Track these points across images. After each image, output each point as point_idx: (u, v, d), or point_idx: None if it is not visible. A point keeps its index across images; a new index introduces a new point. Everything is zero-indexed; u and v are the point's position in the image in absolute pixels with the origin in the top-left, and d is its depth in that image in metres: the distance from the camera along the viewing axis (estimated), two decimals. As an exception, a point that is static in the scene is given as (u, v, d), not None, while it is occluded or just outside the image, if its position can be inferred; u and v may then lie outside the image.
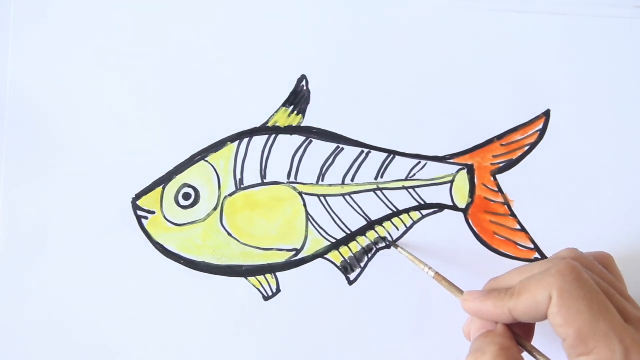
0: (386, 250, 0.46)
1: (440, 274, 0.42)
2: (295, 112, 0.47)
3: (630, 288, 0.45)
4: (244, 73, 0.47)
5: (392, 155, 0.46)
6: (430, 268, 0.43)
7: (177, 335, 0.46)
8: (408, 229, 0.46)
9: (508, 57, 0.47)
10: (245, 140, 0.47)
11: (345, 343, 0.46)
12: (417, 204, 0.46)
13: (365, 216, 0.46)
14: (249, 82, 0.47)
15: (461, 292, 0.40)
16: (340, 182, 0.47)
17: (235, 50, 0.47)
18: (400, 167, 0.46)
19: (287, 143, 0.47)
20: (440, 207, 0.46)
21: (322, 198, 0.46)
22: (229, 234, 0.46)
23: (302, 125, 0.47)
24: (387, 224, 0.46)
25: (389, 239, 0.46)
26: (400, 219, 0.46)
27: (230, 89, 0.47)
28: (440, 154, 0.46)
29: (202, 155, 0.47)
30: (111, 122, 0.47)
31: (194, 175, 0.46)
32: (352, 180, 0.46)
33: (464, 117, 0.46)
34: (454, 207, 0.46)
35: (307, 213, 0.46)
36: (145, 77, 0.47)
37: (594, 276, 0.36)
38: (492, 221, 0.46)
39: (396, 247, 0.45)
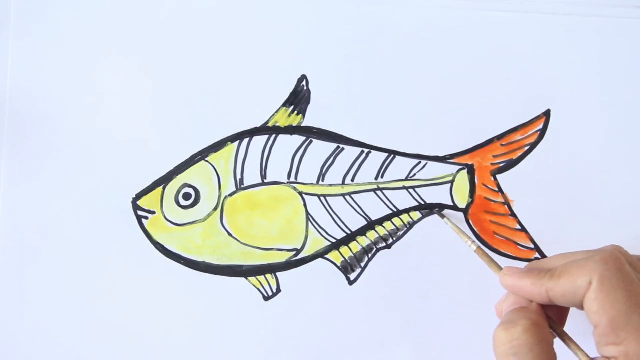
0: (386, 250, 0.46)
1: (482, 249, 0.42)
2: (296, 112, 0.47)
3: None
4: (244, 73, 0.47)
5: (392, 155, 0.46)
6: (473, 242, 0.43)
7: (177, 335, 0.46)
8: (408, 229, 0.46)
9: (508, 57, 0.47)
10: (246, 140, 0.47)
11: (345, 343, 0.46)
12: (417, 204, 0.46)
13: (366, 216, 0.46)
14: (249, 82, 0.47)
15: (500, 268, 0.40)
16: (341, 182, 0.47)
17: (236, 50, 0.47)
18: (400, 167, 0.46)
19: (287, 143, 0.47)
20: (441, 207, 0.46)
21: (322, 198, 0.46)
22: (229, 234, 0.46)
23: (302, 125, 0.47)
24: (387, 224, 0.46)
25: (435, 208, 0.46)
26: (400, 219, 0.46)
27: (230, 89, 0.47)
28: (440, 154, 0.46)
29: (202, 155, 0.47)
30: (111, 122, 0.47)
31: (194, 175, 0.46)
32: (352, 180, 0.46)
33: (464, 117, 0.46)
34: (454, 207, 0.46)
35: (307, 213, 0.46)
36: (145, 77, 0.47)
37: (635, 270, 0.36)
38: (492, 221, 0.46)
39: (442, 216, 0.45)
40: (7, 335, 0.46)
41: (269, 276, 0.46)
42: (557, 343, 0.37)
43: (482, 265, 0.44)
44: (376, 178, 0.46)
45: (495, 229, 0.46)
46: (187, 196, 0.46)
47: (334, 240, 0.46)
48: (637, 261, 0.38)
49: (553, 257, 0.39)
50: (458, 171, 0.46)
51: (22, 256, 0.46)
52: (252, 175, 0.46)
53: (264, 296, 0.46)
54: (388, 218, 0.46)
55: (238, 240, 0.46)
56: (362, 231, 0.46)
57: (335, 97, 0.47)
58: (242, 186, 0.46)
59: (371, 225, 0.46)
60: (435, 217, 0.46)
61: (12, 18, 0.47)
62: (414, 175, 0.46)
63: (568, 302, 0.36)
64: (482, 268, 0.45)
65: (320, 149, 0.47)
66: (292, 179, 0.46)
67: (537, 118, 0.47)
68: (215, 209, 0.46)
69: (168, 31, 0.47)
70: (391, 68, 0.47)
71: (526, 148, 0.46)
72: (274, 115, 0.47)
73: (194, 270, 0.46)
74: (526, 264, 0.44)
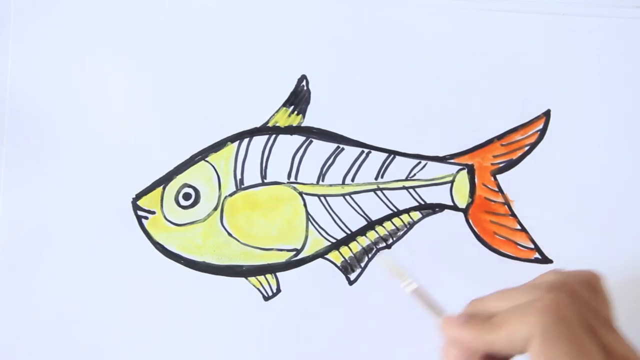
0: (386, 250, 0.46)
1: (420, 291, 0.39)
2: (296, 112, 0.47)
3: (630, 289, 0.45)
4: (244, 73, 0.47)
5: (392, 155, 0.46)
6: (410, 283, 0.39)
7: (177, 335, 0.46)
8: (408, 229, 0.46)
9: (508, 57, 0.47)
10: (245, 140, 0.47)
11: (345, 343, 0.46)
12: (417, 204, 0.46)
13: (365, 216, 0.46)
14: (249, 82, 0.47)
15: (441, 312, 0.39)
16: (341, 182, 0.47)
17: (236, 50, 0.47)
18: (400, 167, 0.46)
19: (287, 143, 0.47)
20: (441, 207, 0.46)
21: (322, 198, 0.46)
22: (229, 234, 0.46)
23: (302, 125, 0.47)
24: (387, 224, 0.46)
25: (383, 242, 0.45)
26: (400, 219, 0.46)
27: (230, 89, 0.47)
28: (440, 154, 0.46)
29: (202, 155, 0.47)
30: (111, 122, 0.47)
31: (194, 175, 0.46)
32: (352, 180, 0.46)
33: (464, 117, 0.46)
34: (454, 207, 0.46)
35: (307, 213, 0.46)
36: (145, 78, 0.47)
37: (581, 308, 0.35)
38: (492, 221, 0.46)
39: (383, 260, 0.44)
40: (7, 336, 0.46)
41: (269, 276, 0.46)
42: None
43: (482, 265, 0.44)
44: (376, 178, 0.46)
45: (495, 229, 0.46)
46: (187, 196, 0.46)
47: (334, 240, 0.46)
48: (580, 288, 0.36)
49: (494, 295, 0.37)
50: (458, 171, 0.46)
51: (22, 256, 0.46)
52: (252, 175, 0.46)
53: (264, 296, 0.46)
54: (388, 218, 0.46)
55: (238, 240, 0.46)
56: (362, 231, 0.46)
57: (335, 97, 0.47)
58: (242, 186, 0.46)
59: (371, 225, 0.46)
60: (434, 218, 0.46)
61: (12, 18, 0.47)
62: (414, 175, 0.46)
63: (510, 354, 0.34)
64: (482, 268, 0.45)
65: (320, 149, 0.47)
66: (292, 179, 0.46)
67: (537, 118, 0.46)
68: (215, 209, 0.46)
69: (168, 31, 0.47)
70: (391, 68, 0.47)
71: (526, 148, 0.46)
72: (274, 115, 0.47)
73: (194, 270, 0.46)
74: (526, 264, 0.45)
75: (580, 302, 0.35)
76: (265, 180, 0.46)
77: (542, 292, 0.35)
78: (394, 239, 0.46)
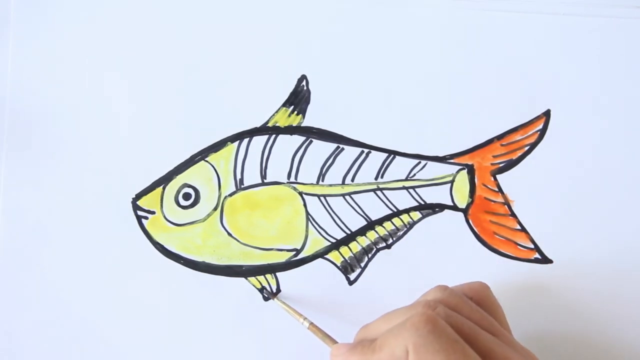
0: (386, 250, 0.46)
1: (315, 325, 0.42)
2: (295, 112, 0.47)
3: (630, 290, 0.45)
4: (244, 73, 0.47)
5: (392, 155, 0.46)
6: (305, 319, 0.43)
7: (177, 335, 0.46)
8: (408, 229, 0.46)
9: (508, 57, 0.47)
10: (245, 140, 0.47)
11: (345, 343, 0.46)
12: (417, 204, 0.46)
13: (365, 216, 0.46)
14: (249, 82, 0.47)
15: (334, 342, 0.41)
16: (340, 182, 0.47)
17: (236, 50, 0.47)
18: (400, 167, 0.46)
19: (287, 143, 0.47)
20: (441, 207, 0.46)
21: (322, 198, 0.46)
22: (229, 234, 0.46)
23: (302, 125, 0.47)
24: (387, 224, 0.46)
25: (269, 290, 0.45)
26: (400, 219, 0.46)
27: (230, 89, 0.47)
28: (440, 154, 0.46)
29: (202, 155, 0.47)
30: (111, 122, 0.47)
31: (194, 175, 0.47)
32: (352, 180, 0.46)
33: (464, 117, 0.46)
34: (454, 207, 0.46)
35: (307, 213, 0.46)
36: (145, 77, 0.47)
37: (458, 319, 0.35)
38: (492, 221, 0.46)
39: (272, 297, 0.45)
40: (6, 335, 0.46)
41: (268, 276, 0.46)
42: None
43: (482, 265, 0.44)
44: (376, 178, 0.46)
45: (495, 229, 0.46)
46: (187, 196, 0.46)
47: (333, 240, 0.46)
48: (462, 300, 0.37)
49: (379, 319, 0.39)
50: (458, 171, 0.46)
51: (22, 256, 0.46)
52: (251, 175, 0.46)
53: (263, 296, 0.46)
54: (388, 218, 0.46)
55: (238, 240, 0.46)
56: (362, 231, 0.46)
57: (335, 97, 0.47)
58: (242, 186, 0.46)
59: (371, 225, 0.46)
60: (434, 218, 0.46)
61: (12, 18, 0.47)
62: (414, 175, 0.46)
63: None
64: (482, 269, 0.45)
65: (320, 149, 0.47)
66: (292, 179, 0.46)
67: (537, 118, 0.46)
68: (215, 209, 0.46)
69: (168, 31, 0.47)
70: (391, 68, 0.47)
71: (526, 148, 0.46)
72: (273, 115, 0.47)
73: (194, 270, 0.46)
74: (526, 264, 0.45)
75: (462, 311, 0.36)
76: (265, 180, 0.46)
77: (417, 309, 0.36)
78: (394, 239, 0.46)
